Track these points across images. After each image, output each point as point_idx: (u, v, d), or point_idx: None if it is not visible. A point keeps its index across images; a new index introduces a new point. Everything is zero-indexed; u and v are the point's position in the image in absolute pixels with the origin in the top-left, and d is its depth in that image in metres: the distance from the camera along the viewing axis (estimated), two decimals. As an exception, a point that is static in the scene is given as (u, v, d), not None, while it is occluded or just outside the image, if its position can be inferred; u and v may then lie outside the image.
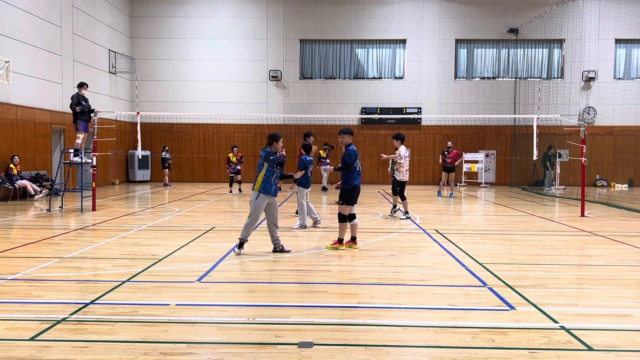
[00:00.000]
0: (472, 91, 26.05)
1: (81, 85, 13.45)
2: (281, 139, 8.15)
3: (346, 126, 9.13)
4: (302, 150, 11.05)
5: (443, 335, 4.49)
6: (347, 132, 8.72)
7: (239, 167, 19.27)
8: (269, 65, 26.00)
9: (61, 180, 17.73)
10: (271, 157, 7.86)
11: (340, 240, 8.48)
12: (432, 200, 17.86)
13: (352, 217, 8.57)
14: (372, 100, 26.01)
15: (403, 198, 12.49)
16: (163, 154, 23.12)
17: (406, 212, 12.41)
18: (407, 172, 12.65)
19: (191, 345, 4.22)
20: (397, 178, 12.57)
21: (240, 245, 7.90)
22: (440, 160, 18.97)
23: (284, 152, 7.60)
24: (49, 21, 18.85)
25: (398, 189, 12.60)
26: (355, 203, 8.60)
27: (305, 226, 10.74)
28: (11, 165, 15.93)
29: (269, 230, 8.11)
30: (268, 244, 8.99)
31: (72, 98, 13.29)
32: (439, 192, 18.97)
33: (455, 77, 26.20)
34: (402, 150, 12.46)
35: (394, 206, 12.99)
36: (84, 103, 13.26)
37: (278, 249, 8.06)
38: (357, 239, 8.62)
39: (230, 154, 19.31)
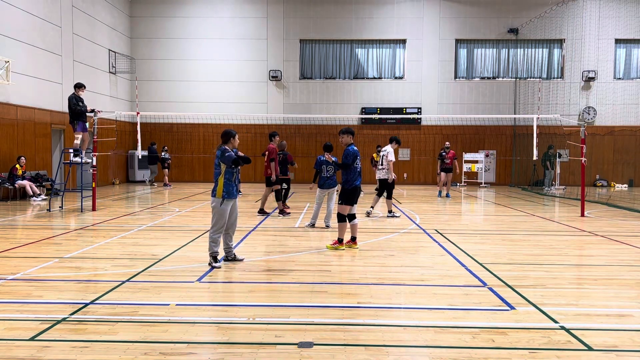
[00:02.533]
0: (472, 91, 26.05)
1: (79, 86, 13.44)
2: (237, 136, 7.43)
3: (346, 126, 9.05)
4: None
5: (443, 335, 4.49)
6: (345, 132, 8.68)
7: None
8: (269, 65, 26.01)
9: (61, 180, 17.72)
10: (227, 154, 7.09)
11: (340, 240, 8.48)
12: (432, 200, 17.85)
13: (352, 217, 8.57)
14: (372, 100, 26.01)
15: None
16: (163, 154, 23.12)
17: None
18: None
19: (191, 345, 4.22)
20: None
21: (215, 259, 7.10)
22: (438, 163, 18.98)
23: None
24: (49, 21, 18.85)
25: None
26: (356, 203, 8.60)
27: (314, 225, 10.79)
28: (17, 166, 15.95)
29: (223, 237, 7.34)
30: (267, 243, 9.00)
31: (69, 99, 13.26)
32: (439, 193, 18.91)
33: (455, 77, 26.20)
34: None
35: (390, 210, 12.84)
36: (81, 104, 13.25)
37: (230, 257, 7.38)
38: (357, 239, 8.62)
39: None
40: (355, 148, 8.64)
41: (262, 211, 12.72)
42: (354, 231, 8.57)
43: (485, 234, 10.55)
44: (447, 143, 19.25)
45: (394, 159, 12.44)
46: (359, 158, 8.57)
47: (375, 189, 13.15)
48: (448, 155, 18.40)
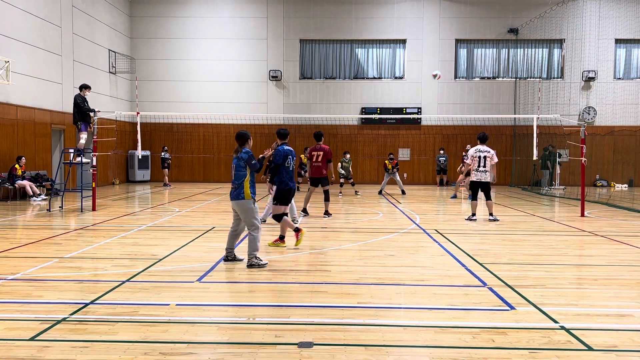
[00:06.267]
0: (472, 91, 26.05)
1: (85, 87, 13.56)
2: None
3: (282, 127, 8.94)
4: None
5: (443, 335, 4.49)
6: (277, 133, 8.69)
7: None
8: (269, 65, 26.01)
9: (61, 180, 17.73)
10: (253, 162, 7.04)
11: (281, 238, 8.52)
12: (432, 200, 17.86)
13: (279, 217, 8.53)
14: (372, 100, 26.01)
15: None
16: (162, 154, 23.12)
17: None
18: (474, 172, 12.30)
19: (191, 345, 4.22)
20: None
21: (259, 258, 7.07)
22: (460, 166, 18.74)
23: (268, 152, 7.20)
24: (49, 21, 18.85)
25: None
26: (289, 203, 8.61)
27: (265, 221, 10.85)
28: (16, 166, 15.95)
29: (231, 237, 7.29)
30: (267, 244, 8.98)
31: (76, 98, 13.32)
32: (454, 195, 18.43)
33: (455, 77, 26.20)
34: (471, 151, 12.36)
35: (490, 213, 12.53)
36: (86, 104, 13.37)
37: (230, 257, 7.30)
38: (284, 238, 8.59)
39: (302, 155, 19.20)
40: (287, 148, 8.58)
41: (305, 210, 12.54)
42: (283, 230, 8.56)
43: (485, 234, 10.55)
44: (467, 146, 18.75)
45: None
46: (291, 158, 8.50)
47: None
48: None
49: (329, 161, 12.28)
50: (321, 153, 12.20)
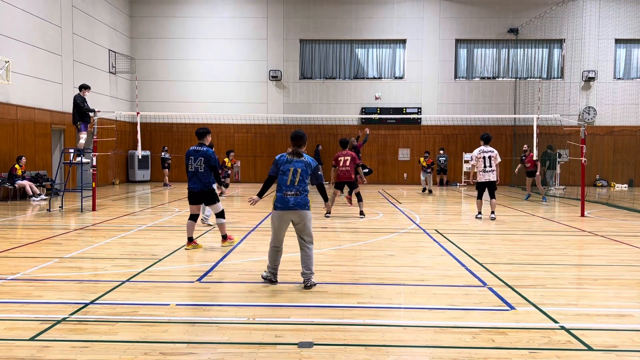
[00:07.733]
0: (472, 91, 26.06)
1: (85, 87, 13.57)
2: None
3: (203, 126, 8.74)
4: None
5: (443, 335, 4.49)
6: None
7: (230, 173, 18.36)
8: (269, 65, 26.01)
9: (61, 180, 17.73)
10: (320, 172, 6.36)
11: (224, 237, 8.57)
12: (432, 200, 17.85)
13: (193, 217, 8.45)
14: (372, 100, 26.01)
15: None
16: (163, 154, 23.12)
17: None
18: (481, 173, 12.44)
19: (191, 345, 4.22)
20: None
21: None
22: (517, 167, 18.49)
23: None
24: (49, 21, 18.85)
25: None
26: (194, 204, 8.39)
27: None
28: (16, 166, 15.95)
29: (279, 255, 6.36)
30: (267, 243, 8.96)
31: (75, 98, 13.33)
32: (527, 196, 17.81)
33: (455, 77, 26.21)
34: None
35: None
36: (86, 104, 13.39)
37: (275, 279, 6.26)
38: (193, 240, 8.36)
39: (227, 159, 18.01)
40: (192, 148, 8.31)
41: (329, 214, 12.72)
42: (190, 232, 8.36)
43: (485, 234, 10.55)
44: (525, 146, 17.88)
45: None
46: (193, 159, 8.21)
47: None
48: (527, 160, 17.18)
49: (357, 165, 12.63)
50: (349, 158, 12.47)
